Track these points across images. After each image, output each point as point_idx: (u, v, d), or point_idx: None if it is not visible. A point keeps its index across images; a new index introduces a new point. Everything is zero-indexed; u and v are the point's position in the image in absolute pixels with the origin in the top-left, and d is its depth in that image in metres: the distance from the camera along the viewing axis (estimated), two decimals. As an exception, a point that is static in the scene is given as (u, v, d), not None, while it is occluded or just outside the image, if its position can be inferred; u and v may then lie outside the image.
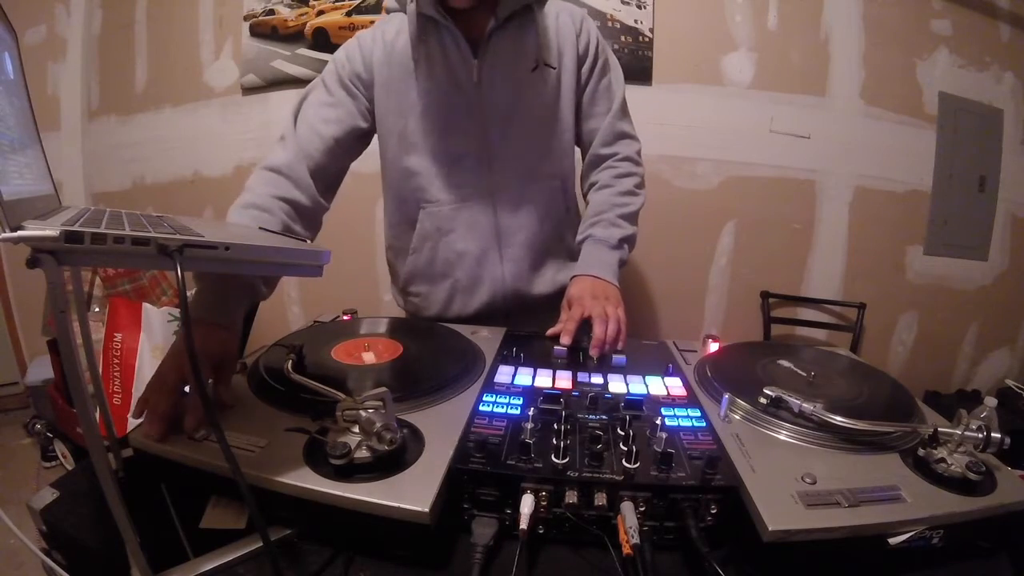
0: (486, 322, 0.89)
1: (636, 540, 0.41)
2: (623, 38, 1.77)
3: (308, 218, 0.83)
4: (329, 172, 0.86)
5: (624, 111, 0.97)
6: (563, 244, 1.00)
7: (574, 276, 0.90)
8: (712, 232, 1.91)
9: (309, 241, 0.83)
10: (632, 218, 0.94)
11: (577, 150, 1.01)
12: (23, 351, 2.35)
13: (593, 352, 0.73)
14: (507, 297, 0.97)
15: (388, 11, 0.92)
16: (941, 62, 1.80)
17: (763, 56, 1.79)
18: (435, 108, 0.86)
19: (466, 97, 0.86)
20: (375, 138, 0.94)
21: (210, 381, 0.56)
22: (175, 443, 0.50)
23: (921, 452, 0.49)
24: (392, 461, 0.46)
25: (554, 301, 0.96)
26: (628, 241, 0.93)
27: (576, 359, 0.73)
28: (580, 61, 0.91)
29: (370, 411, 0.46)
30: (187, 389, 0.53)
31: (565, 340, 0.75)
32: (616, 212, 0.93)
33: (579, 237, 0.94)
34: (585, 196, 1.00)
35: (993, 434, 0.47)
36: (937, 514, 0.43)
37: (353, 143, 0.89)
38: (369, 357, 0.68)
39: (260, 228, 0.72)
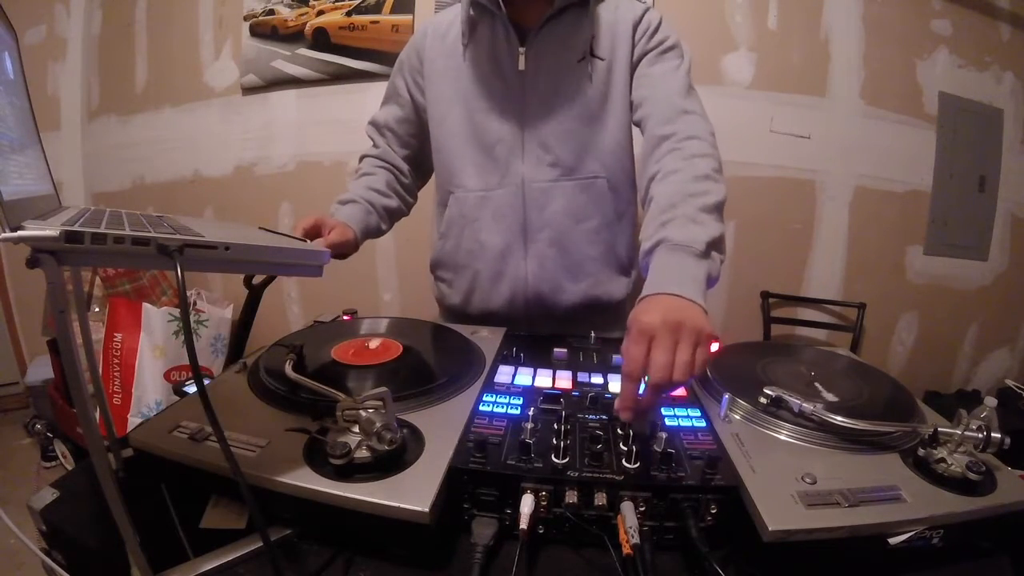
0: (508, 325, 0.85)
1: (636, 540, 0.41)
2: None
3: (408, 188, 1.00)
4: (417, 158, 1.00)
5: (690, 92, 0.82)
6: (612, 254, 0.91)
7: (642, 297, 0.59)
8: (712, 232, 1.92)
9: (413, 199, 1.02)
10: (717, 212, 0.66)
11: (637, 150, 0.87)
12: (23, 351, 2.35)
13: (623, 415, 0.51)
14: (528, 300, 0.91)
15: None
16: (941, 62, 1.80)
17: (763, 56, 1.79)
18: (475, 94, 0.87)
19: (508, 85, 0.85)
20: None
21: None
22: (175, 443, 0.50)
23: (921, 452, 0.49)
24: (392, 461, 0.46)
25: (585, 315, 0.91)
26: (718, 247, 0.63)
27: (576, 359, 0.73)
28: (636, 50, 0.85)
29: (370, 411, 0.46)
30: (189, 389, 0.53)
31: (621, 413, 0.51)
32: (695, 204, 0.65)
33: (646, 244, 0.65)
34: (645, 196, 0.75)
35: (993, 434, 0.47)
36: (937, 514, 0.43)
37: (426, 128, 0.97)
38: (369, 357, 0.68)
39: (262, 228, 0.72)
